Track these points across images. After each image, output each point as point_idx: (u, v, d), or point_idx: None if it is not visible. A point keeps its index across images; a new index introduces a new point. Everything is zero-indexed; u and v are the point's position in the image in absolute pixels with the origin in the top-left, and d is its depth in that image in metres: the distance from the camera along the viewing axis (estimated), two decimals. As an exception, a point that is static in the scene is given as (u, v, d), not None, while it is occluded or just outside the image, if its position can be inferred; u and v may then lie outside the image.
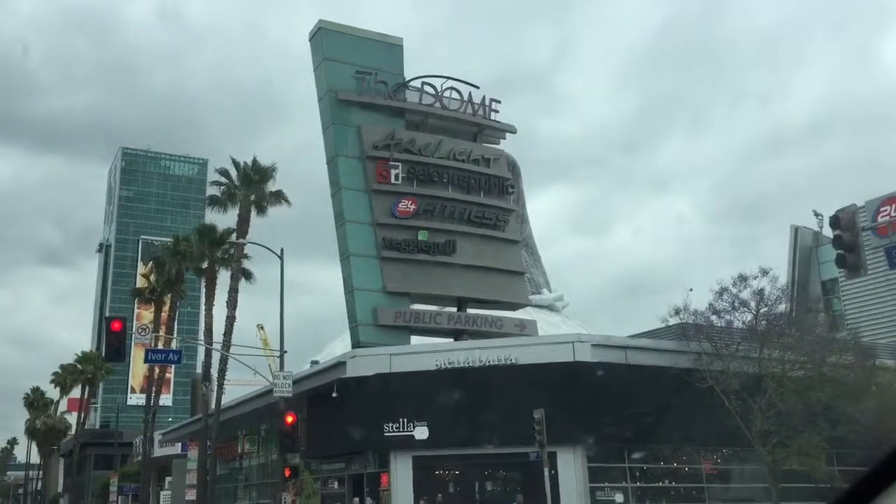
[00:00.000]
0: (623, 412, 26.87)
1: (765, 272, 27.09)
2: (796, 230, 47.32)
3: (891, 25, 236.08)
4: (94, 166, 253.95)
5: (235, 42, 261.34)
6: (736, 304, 27.21)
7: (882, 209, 37.48)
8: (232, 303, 39.06)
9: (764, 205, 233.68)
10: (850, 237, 19.55)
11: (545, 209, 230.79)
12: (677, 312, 27.78)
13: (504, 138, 36.12)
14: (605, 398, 27.14)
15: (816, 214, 46.09)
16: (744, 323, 27.20)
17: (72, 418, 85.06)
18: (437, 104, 34.13)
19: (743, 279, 27.19)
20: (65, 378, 78.52)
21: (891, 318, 39.18)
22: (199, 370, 63.23)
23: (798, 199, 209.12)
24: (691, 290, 28.41)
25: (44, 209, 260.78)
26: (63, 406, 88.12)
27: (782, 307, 28.53)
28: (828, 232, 38.28)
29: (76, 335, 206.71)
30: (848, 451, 27.21)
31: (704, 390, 25.71)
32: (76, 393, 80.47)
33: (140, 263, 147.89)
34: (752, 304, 26.92)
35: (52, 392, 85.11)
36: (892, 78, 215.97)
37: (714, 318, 27.33)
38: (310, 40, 34.04)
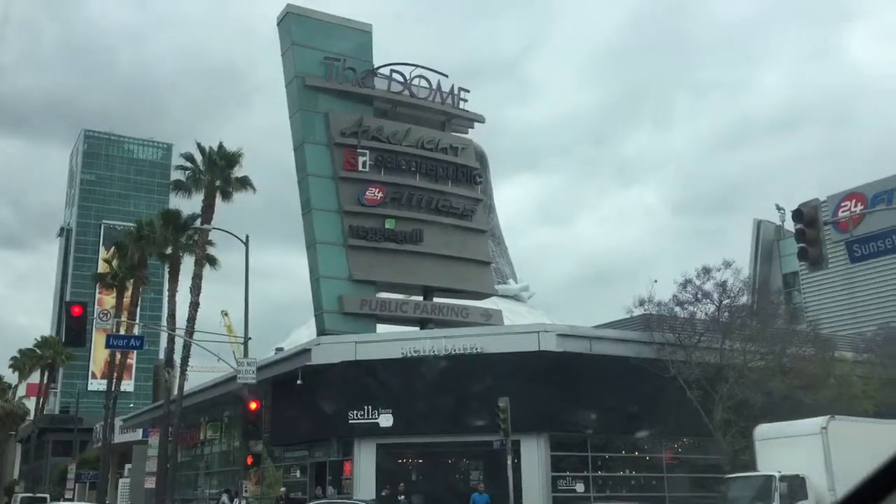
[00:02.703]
0: (587, 402, 27.10)
1: (728, 264, 27.48)
2: (759, 223, 47.97)
3: (855, 19, 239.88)
4: (55, 149, 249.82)
5: (200, 23, 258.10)
6: (699, 296, 27.52)
7: (843, 204, 38.25)
8: (196, 289, 38.61)
9: (728, 197, 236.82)
10: (812, 231, 19.78)
11: (512, 199, 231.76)
12: (642, 303, 28.05)
13: (472, 127, 36.05)
14: (570, 388, 27.32)
15: (779, 208, 46.75)
16: (707, 314, 27.52)
17: (30, 403, 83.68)
18: (406, 92, 33.94)
19: (706, 271, 27.51)
20: (23, 363, 77.18)
21: (850, 311, 39.92)
22: (161, 356, 62.50)
23: (762, 192, 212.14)
24: (655, 281, 28.69)
25: (1, 191, 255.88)
26: (21, 391, 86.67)
27: (744, 299, 28.93)
28: (790, 225, 38.85)
29: (35, 319, 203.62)
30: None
31: (667, 380, 26.00)
32: (35, 378, 79.21)
33: (102, 248, 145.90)
34: (715, 295, 27.26)
35: (11, 377, 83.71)
36: (856, 72, 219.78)
37: (678, 309, 27.61)
38: (277, 25, 33.64)
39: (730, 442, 25.87)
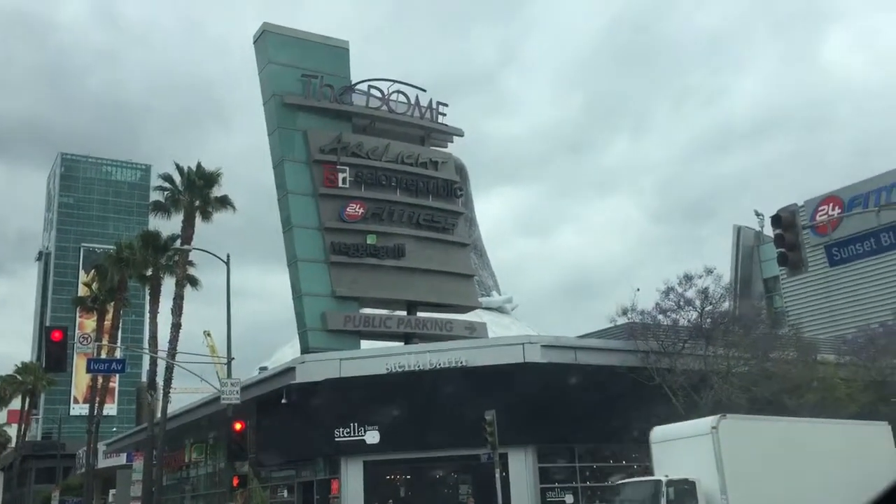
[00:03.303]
0: (573, 412, 27.06)
1: (709, 271, 27.60)
2: (739, 230, 48.32)
3: (830, 24, 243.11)
4: (32, 172, 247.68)
5: (174, 43, 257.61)
6: (681, 304, 27.60)
7: (820, 208, 38.60)
8: (177, 310, 38.28)
9: (707, 204, 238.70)
10: (791, 236, 19.92)
11: (492, 211, 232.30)
12: (625, 312, 28.10)
13: (451, 141, 36.14)
14: (556, 399, 27.27)
15: (757, 214, 47.15)
16: (689, 321, 27.60)
17: (12, 430, 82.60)
18: (384, 107, 33.98)
19: (688, 278, 27.61)
20: (4, 389, 76.17)
21: (830, 314, 40.22)
22: (144, 379, 61.90)
23: (740, 199, 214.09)
24: (638, 290, 28.72)
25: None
26: (2, 418, 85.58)
27: (726, 305, 29.05)
28: (769, 231, 39.14)
29: (14, 346, 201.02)
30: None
31: (652, 388, 26.04)
32: (16, 404, 78.16)
33: (82, 271, 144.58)
34: (697, 302, 27.35)
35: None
36: (831, 79, 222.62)
37: (661, 317, 27.66)
38: (254, 43, 33.62)
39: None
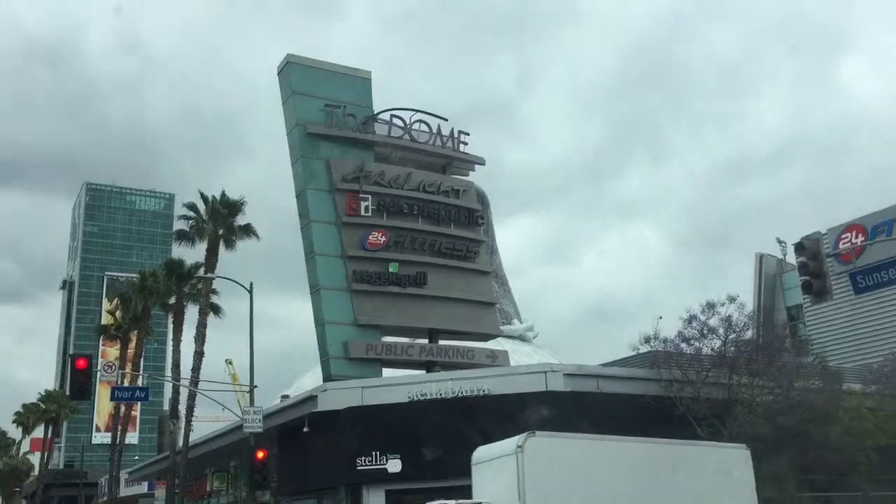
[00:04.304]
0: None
1: (732, 299, 27.43)
2: (761, 257, 48.00)
3: (848, 50, 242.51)
4: (57, 202, 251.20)
5: (198, 73, 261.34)
6: (704, 332, 27.43)
7: (843, 236, 38.35)
8: (200, 338, 38.58)
9: (728, 231, 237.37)
10: (816, 264, 19.89)
11: (512, 239, 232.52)
12: (647, 341, 27.94)
13: (473, 170, 36.31)
14: (578, 428, 26.92)
15: (780, 242, 46.82)
16: (713, 350, 27.41)
17: (35, 458, 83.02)
18: (406, 136, 34.29)
19: (711, 306, 27.46)
20: (27, 417, 76.83)
21: (856, 343, 39.73)
22: (166, 407, 62.17)
23: (760, 225, 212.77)
24: (660, 318, 28.57)
25: (2, 245, 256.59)
26: (25, 446, 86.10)
27: (749, 334, 28.84)
28: (791, 259, 38.89)
29: (38, 374, 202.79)
30: (818, 477, 27.36)
31: (676, 417, 25.81)
32: (39, 433, 78.69)
33: (105, 300, 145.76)
34: (721, 331, 27.18)
35: (14, 432, 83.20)
36: (851, 104, 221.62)
37: (684, 345, 27.50)
38: (278, 74, 34.10)
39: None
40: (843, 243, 37.55)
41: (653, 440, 19.29)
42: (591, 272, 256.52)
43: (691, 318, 27.42)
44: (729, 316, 27.11)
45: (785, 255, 45.65)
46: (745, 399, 26.15)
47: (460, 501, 18.28)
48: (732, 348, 27.13)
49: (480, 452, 19.12)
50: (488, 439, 25.67)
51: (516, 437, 17.28)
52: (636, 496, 17.63)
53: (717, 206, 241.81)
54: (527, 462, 16.59)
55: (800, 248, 20.39)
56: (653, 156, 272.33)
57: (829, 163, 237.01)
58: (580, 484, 17.17)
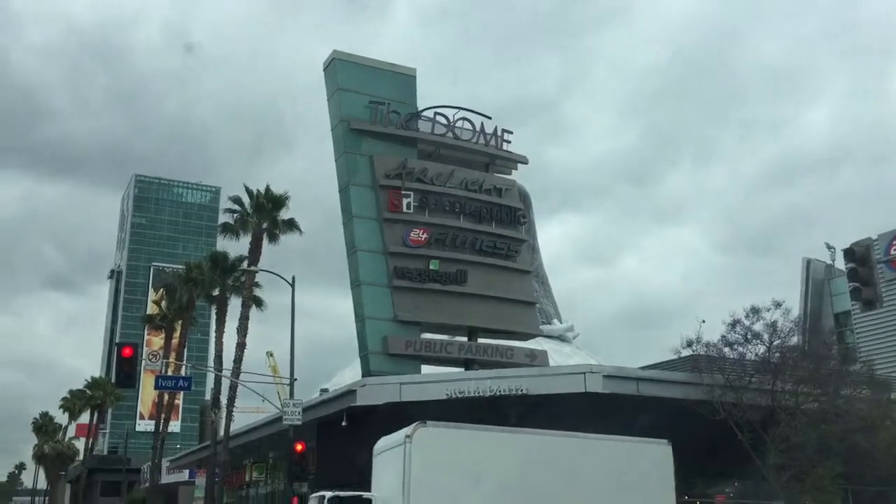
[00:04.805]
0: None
1: (777, 304, 26.90)
2: (808, 262, 47.05)
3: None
4: (105, 193, 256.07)
5: (244, 69, 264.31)
6: (749, 337, 26.96)
7: (895, 242, 37.37)
8: (242, 330, 38.92)
9: (774, 235, 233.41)
10: (866, 270, 19.44)
11: (553, 239, 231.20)
12: (689, 344, 27.52)
13: (516, 169, 36.22)
14: (617, 430, 26.74)
15: (829, 247, 45.81)
16: (757, 355, 26.93)
17: (80, 444, 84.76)
18: (450, 134, 34.30)
19: (755, 311, 26.98)
20: (73, 403, 78.38)
21: (905, 352, 38.72)
22: (208, 397, 62.99)
23: (806, 231, 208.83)
24: (703, 321, 28.11)
25: (51, 235, 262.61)
26: (71, 432, 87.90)
27: (795, 340, 28.27)
28: (840, 264, 38.04)
29: (83, 360, 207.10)
30: (862, 487, 26.75)
31: (717, 423, 25.40)
32: (85, 418, 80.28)
33: (151, 290, 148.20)
34: (765, 336, 26.68)
35: (61, 417, 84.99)
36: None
37: (727, 350, 27.06)
38: (324, 70, 34.33)
39: (783, 486, 25.12)
40: (895, 250, 36.60)
41: (556, 433, 18.06)
42: (631, 274, 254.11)
43: (735, 323, 26.96)
44: (774, 321, 26.58)
45: (833, 261, 44.67)
46: (788, 406, 25.64)
47: (346, 493, 17.96)
48: (777, 354, 26.61)
49: (380, 443, 18.33)
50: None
51: (407, 428, 16.40)
52: (530, 491, 16.58)
53: (763, 211, 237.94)
54: (414, 453, 15.75)
55: (850, 254, 19.94)
56: (696, 158, 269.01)
57: (879, 168, 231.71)
58: (470, 477, 16.14)
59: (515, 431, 17.97)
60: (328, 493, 17.43)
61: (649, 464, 18.21)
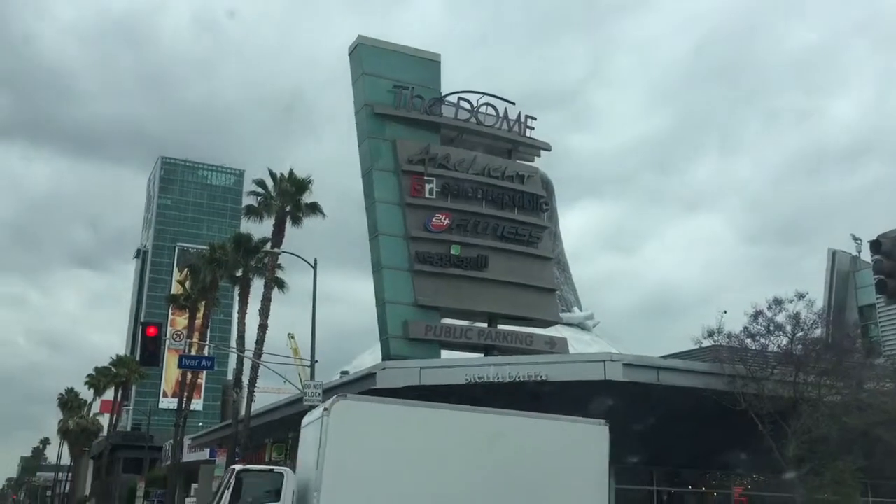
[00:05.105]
0: (653, 434, 26.43)
1: (801, 296, 26.60)
2: (834, 254, 46.50)
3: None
4: (132, 174, 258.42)
5: (269, 53, 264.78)
6: (771, 328, 26.71)
7: (923, 235, 36.74)
8: (264, 311, 39.18)
9: (799, 226, 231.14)
10: (891, 263, 19.10)
11: (575, 226, 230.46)
12: (710, 335, 27.32)
13: (539, 155, 36.03)
14: (636, 419, 26.67)
15: (855, 239, 45.24)
16: (779, 347, 26.68)
17: (104, 420, 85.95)
18: (473, 119, 34.17)
19: (778, 302, 26.71)
20: (98, 380, 79.47)
21: (930, 347, 38.23)
22: (230, 377, 63.58)
23: (833, 222, 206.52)
24: (725, 312, 27.87)
25: (79, 214, 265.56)
26: (96, 408, 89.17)
27: (818, 332, 27.97)
28: (866, 256, 37.55)
29: (109, 338, 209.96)
30: (883, 482, 26.48)
31: (737, 414, 25.22)
32: (109, 395, 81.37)
33: (175, 270, 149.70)
34: (788, 328, 26.42)
35: (86, 394, 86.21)
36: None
37: (749, 341, 26.83)
38: (349, 55, 34.26)
39: (802, 479, 24.93)
40: (922, 242, 35.98)
41: (482, 410, 17.49)
42: (653, 262, 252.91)
43: (757, 314, 26.71)
44: (797, 313, 26.29)
45: (859, 253, 44.12)
46: (810, 398, 25.40)
47: (256, 467, 17.91)
48: (800, 346, 26.35)
49: (306, 417, 17.95)
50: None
51: (328, 400, 15.96)
52: (454, 469, 16.04)
53: (789, 201, 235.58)
54: (331, 427, 15.11)
55: (876, 245, 19.61)
56: (722, 147, 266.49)
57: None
58: (390, 454, 15.60)
59: (441, 407, 17.41)
60: (237, 467, 17.12)
61: (584, 444, 17.75)
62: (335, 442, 15.07)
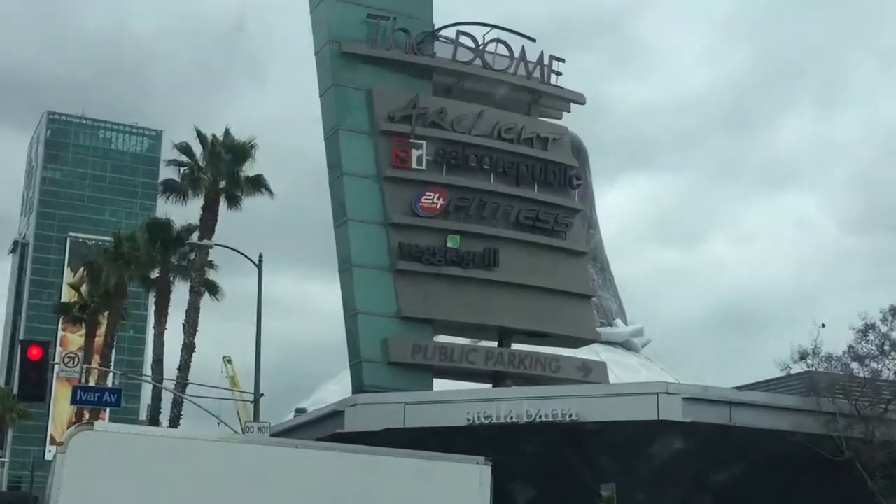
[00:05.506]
0: (725, 491, 26.66)
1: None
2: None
3: None
4: (7, 136, 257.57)
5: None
6: (885, 348, 26.94)
7: None
8: (190, 326, 39.26)
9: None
10: None
11: (618, 208, 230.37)
12: (803, 357, 27.60)
13: (568, 111, 36.17)
14: (701, 472, 26.93)
15: None
16: (896, 374, 26.95)
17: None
18: (478, 61, 34.25)
19: (895, 313, 26.96)
20: (-39, 423, 79.34)
21: None
22: (143, 416, 63.61)
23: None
24: (822, 325, 28.10)
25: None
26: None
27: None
28: None
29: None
30: None
31: (839, 464, 25.47)
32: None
33: (67, 269, 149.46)
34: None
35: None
36: None
37: (855, 365, 27.08)
38: (306, -29, 34.32)
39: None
40: None
41: (301, 443, 17.62)
42: (724, 259, 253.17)
43: (867, 329, 26.97)
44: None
45: None
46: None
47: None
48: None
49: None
50: (576, 481, 25.71)
51: (70, 430, 15.91)
52: None
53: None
54: (67, 463, 15.15)
55: None
56: (820, 102, 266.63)
57: None
58: (142, 495, 15.31)
59: (230, 440, 17.84)
60: None
61: (455, 488, 17.27)
62: (71, 478, 14.99)
